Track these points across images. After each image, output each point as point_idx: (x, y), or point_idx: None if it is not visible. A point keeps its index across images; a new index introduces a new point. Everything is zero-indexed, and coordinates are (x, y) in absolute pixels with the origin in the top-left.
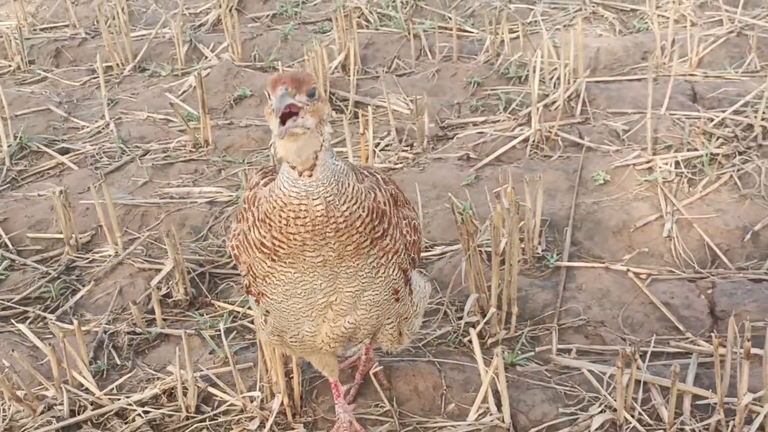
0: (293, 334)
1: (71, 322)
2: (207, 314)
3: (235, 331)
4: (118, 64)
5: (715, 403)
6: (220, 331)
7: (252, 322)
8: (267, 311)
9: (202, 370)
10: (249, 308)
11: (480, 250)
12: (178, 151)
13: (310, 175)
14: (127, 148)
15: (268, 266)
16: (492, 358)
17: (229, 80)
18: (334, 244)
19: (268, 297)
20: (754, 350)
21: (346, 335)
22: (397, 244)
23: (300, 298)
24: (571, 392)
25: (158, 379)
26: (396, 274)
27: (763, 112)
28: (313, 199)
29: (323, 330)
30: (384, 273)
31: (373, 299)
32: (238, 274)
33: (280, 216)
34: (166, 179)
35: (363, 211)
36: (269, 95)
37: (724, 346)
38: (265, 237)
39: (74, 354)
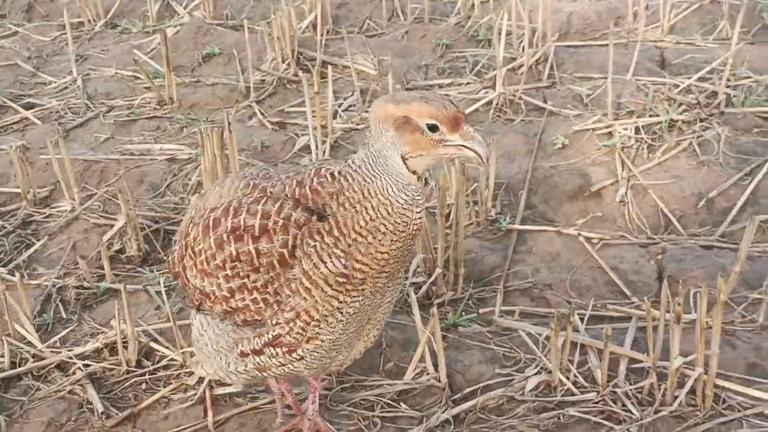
0: (315, 366)
1: (23, 276)
2: (159, 270)
3: None
4: (89, 20)
5: (650, 367)
6: (168, 287)
7: None
8: (299, 356)
9: (147, 325)
10: None
11: (432, 212)
12: (142, 108)
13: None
14: (92, 105)
15: (340, 301)
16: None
17: (198, 38)
18: (405, 254)
19: (319, 339)
20: (690, 316)
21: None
22: None
23: (354, 325)
24: (510, 353)
25: (102, 333)
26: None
27: (728, 79)
28: (416, 207)
29: (357, 348)
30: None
31: (391, 301)
32: None
33: (377, 230)
34: (128, 136)
35: None
36: (447, 128)
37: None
38: (345, 266)
39: (17, 307)
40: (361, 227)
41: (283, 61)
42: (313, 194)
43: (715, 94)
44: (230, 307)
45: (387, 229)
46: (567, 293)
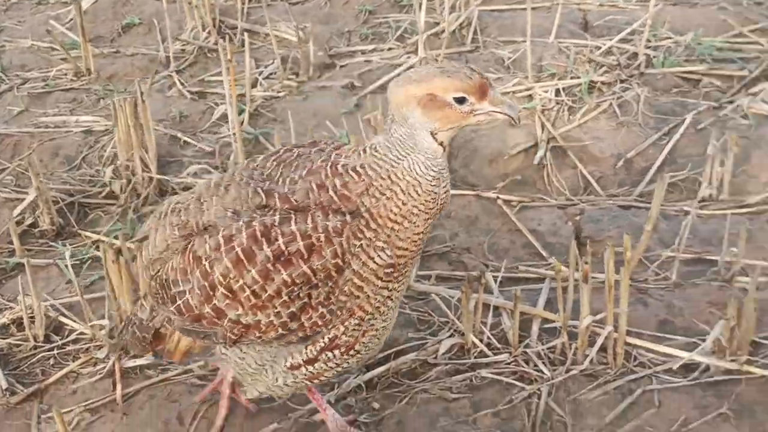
0: (367, 357)
1: None
2: (73, 244)
3: (97, 260)
4: None
5: (561, 326)
6: (80, 260)
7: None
8: (355, 351)
9: (55, 300)
10: None
11: None
12: (58, 80)
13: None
14: (6, 77)
15: (389, 289)
16: None
17: (118, 8)
18: (432, 225)
19: (374, 330)
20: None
21: None
22: None
23: (398, 305)
24: (424, 318)
25: (9, 309)
26: None
27: (648, 40)
28: (442, 182)
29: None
30: None
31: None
32: (110, 204)
33: (411, 213)
34: (43, 108)
35: None
36: (476, 98)
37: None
38: (390, 256)
39: None
40: (395, 214)
41: (203, 30)
42: (342, 200)
43: (635, 55)
44: (288, 330)
45: (419, 210)
46: (485, 256)
